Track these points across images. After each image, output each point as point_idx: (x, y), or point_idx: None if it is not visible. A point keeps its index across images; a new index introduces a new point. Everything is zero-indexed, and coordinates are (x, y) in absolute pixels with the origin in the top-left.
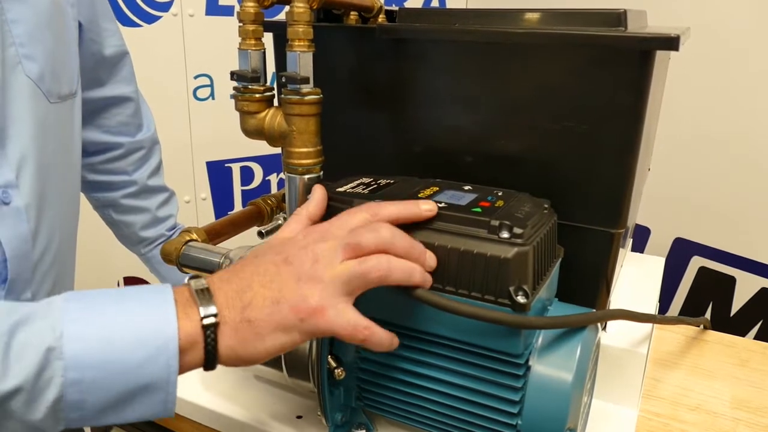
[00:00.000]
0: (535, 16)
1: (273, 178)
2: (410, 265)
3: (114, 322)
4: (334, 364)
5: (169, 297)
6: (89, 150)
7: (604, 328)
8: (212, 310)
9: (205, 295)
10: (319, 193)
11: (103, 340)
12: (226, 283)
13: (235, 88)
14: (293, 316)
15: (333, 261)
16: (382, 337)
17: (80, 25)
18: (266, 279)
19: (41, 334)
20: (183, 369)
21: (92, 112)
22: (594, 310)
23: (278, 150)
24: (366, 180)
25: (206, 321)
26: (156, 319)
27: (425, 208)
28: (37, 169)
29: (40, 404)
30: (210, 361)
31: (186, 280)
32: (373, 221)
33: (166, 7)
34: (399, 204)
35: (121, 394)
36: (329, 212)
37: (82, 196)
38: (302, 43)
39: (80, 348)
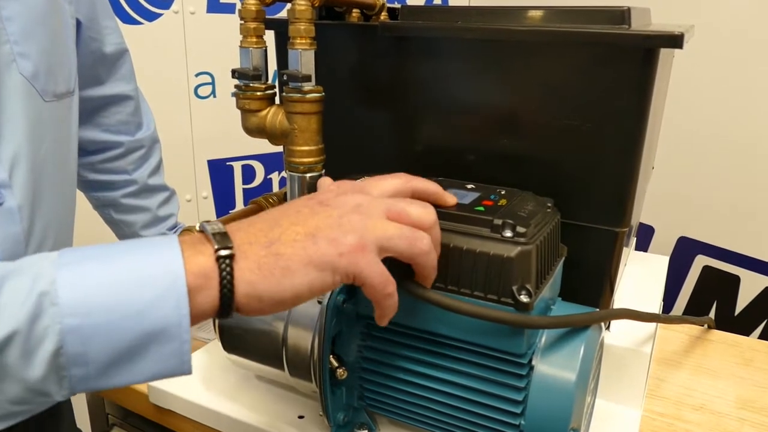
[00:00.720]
0: (538, 13)
1: (275, 177)
2: (435, 260)
3: (112, 264)
4: (336, 364)
5: (173, 238)
6: (89, 149)
7: (607, 328)
8: (228, 243)
9: (218, 229)
10: (326, 180)
11: (101, 282)
12: (247, 225)
13: (236, 86)
14: (332, 250)
15: (375, 214)
16: (397, 301)
17: (79, 22)
18: (299, 218)
19: (32, 280)
20: (196, 314)
21: (91, 111)
22: (597, 310)
23: (280, 148)
24: (368, 178)
25: (221, 252)
26: (160, 257)
27: (444, 198)
28: (31, 169)
29: (37, 356)
30: (225, 302)
31: (198, 226)
32: (406, 187)
33: (167, 5)
34: (426, 180)
35: (127, 344)
36: None
37: (82, 195)
38: (304, 41)
39: (76, 292)
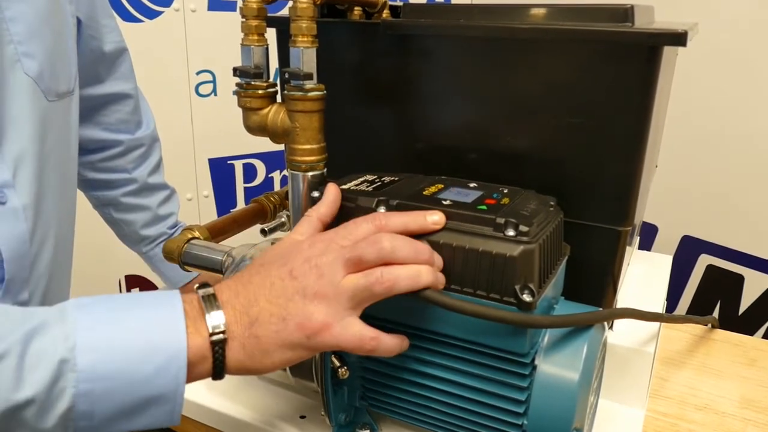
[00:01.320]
0: (541, 11)
1: (276, 175)
2: (415, 269)
3: (125, 332)
4: (337, 364)
5: (178, 308)
6: (88, 148)
7: (610, 327)
8: (221, 325)
9: (213, 306)
10: (331, 193)
11: (114, 351)
12: (234, 296)
13: (237, 84)
14: (299, 333)
15: (336, 275)
16: (390, 344)
17: (79, 21)
18: (273, 294)
19: (55, 344)
20: (190, 380)
21: (91, 110)
22: (601, 309)
23: (281, 147)
24: (370, 177)
25: (215, 337)
26: (166, 332)
27: (432, 220)
28: (35, 169)
29: (51, 415)
30: (218, 373)
31: (195, 288)
32: (379, 231)
33: (167, 3)
34: (406, 215)
35: (129, 406)
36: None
37: (82, 195)
38: (306, 39)
39: (93, 359)
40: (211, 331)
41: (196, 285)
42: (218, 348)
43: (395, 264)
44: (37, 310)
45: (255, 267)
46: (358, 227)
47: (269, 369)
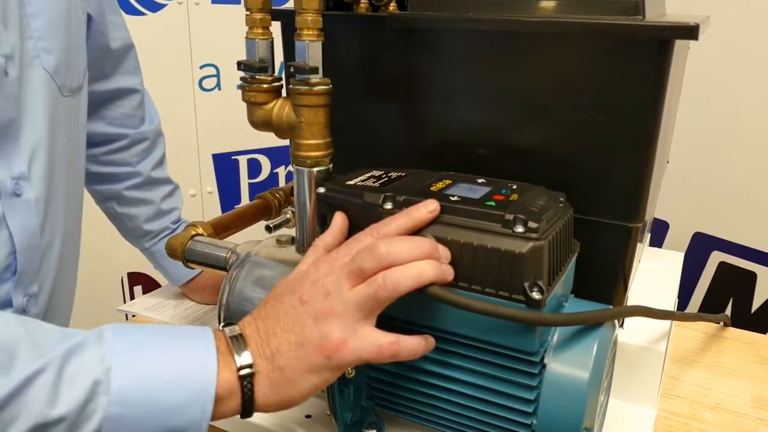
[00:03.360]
0: (550, 4)
1: (281, 171)
2: (416, 266)
3: (160, 360)
4: None
5: (211, 342)
6: (92, 141)
7: (621, 325)
8: (248, 360)
9: (239, 344)
10: (338, 222)
11: (147, 377)
12: (255, 331)
13: (242, 79)
14: (319, 355)
15: (342, 291)
16: (412, 346)
17: (89, 17)
18: (288, 323)
19: (91, 365)
20: (217, 415)
21: (96, 105)
22: (611, 307)
23: (286, 142)
24: (377, 173)
25: (243, 371)
26: (199, 364)
27: (427, 210)
28: (47, 163)
29: None
30: (247, 409)
31: (220, 325)
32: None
33: None
34: (400, 217)
35: None
36: (341, 206)
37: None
38: (311, 32)
39: (126, 383)
40: (238, 365)
41: (222, 325)
42: (246, 383)
43: (397, 265)
44: (75, 331)
45: (269, 301)
46: (358, 242)
47: (297, 399)
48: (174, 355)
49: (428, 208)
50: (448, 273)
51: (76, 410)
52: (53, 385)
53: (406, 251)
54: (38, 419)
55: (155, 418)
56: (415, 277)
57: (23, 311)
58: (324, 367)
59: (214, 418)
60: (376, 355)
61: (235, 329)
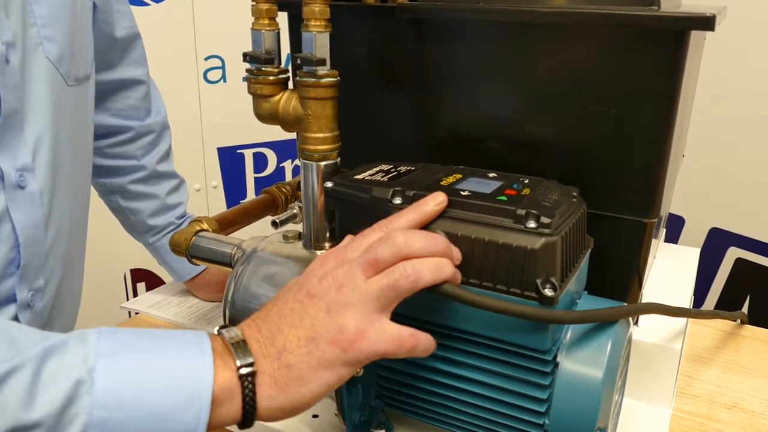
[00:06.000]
0: None
1: (287, 165)
2: (436, 261)
3: (148, 361)
4: None
5: (206, 342)
6: (97, 133)
7: (635, 323)
8: (248, 359)
9: (240, 345)
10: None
11: (135, 378)
12: (257, 331)
13: (248, 71)
14: (334, 348)
15: (357, 281)
16: (427, 342)
17: (95, 5)
18: (295, 319)
19: (73, 365)
20: (215, 424)
21: (101, 95)
22: (625, 304)
23: (293, 135)
24: (385, 167)
25: (244, 370)
26: (192, 364)
27: (435, 203)
28: (52, 154)
29: None
30: (248, 416)
31: (216, 330)
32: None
33: None
34: (410, 212)
35: None
36: (349, 201)
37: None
38: (318, 23)
39: (111, 384)
40: (239, 364)
41: (217, 328)
42: (248, 383)
43: (414, 258)
44: (57, 334)
45: (270, 302)
46: (366, 237)
47: (307, 401)
48: (165, 354)
49: (436, 201)
50: (459, 275)
51: (54, 414)
52: (29, 385)
53: (423, 244)
54: (12, 423)
55: (145, 423)
56: (435, 272)
57: (28, 306)
58: (339, 362)
59: (211, 425)
60: (396, 348)
61: (233, 330)
